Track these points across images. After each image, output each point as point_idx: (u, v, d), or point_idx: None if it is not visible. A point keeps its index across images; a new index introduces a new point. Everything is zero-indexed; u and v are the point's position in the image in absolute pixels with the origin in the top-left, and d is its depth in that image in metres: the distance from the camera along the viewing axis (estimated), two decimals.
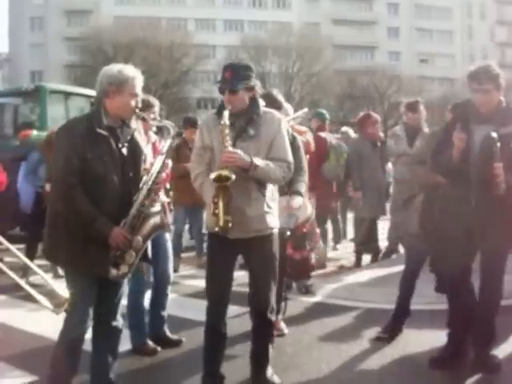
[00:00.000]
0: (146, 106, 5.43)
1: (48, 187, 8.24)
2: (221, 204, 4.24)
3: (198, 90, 58.99)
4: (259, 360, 4.79)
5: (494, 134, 4.64)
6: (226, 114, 4.36)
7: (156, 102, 5.68)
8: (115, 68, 4.16)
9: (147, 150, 4.89)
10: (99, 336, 4.30)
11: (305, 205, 5.73)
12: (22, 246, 9.75)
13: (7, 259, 8.61)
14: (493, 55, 69.83)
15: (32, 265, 5.01)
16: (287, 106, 6.83)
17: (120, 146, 4.13)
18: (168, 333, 5.86)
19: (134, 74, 4.16)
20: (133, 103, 4.14)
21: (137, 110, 4.19)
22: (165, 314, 5.85)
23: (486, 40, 72.84)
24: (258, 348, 4.80)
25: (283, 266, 5.09)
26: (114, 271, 4.06)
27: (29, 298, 7.08)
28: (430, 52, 70.50)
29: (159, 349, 5.62)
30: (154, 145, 5.68)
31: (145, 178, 4.20)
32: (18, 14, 62.78)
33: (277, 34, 58.71)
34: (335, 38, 63.63)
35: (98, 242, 3.97)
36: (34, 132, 12.34)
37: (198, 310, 5.74)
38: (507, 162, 4.59)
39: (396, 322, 5.96)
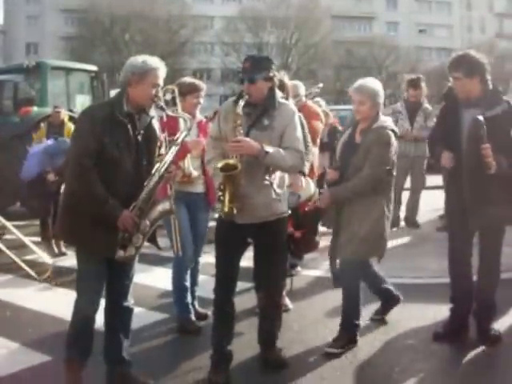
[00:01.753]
0: (193, 90, 5.66)
1: (51, 177, 8.34)
2: (227, 192, 4.32)
3: (194, 60, 58.71)
4: (268, 340, 4.92)
5: (480, 117, 4.75)
6: (241, 103, 4.43)
7: (202, 86, 5.81)
8: (140, 59, 4.24)
9: (193, 129, 5.23)
10: (111, 316, 4.40)
11: (307, 183, 5.77)
12: (22, 222, 9.88)
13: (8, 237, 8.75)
14: (491, 26, 69.63)
15: (27, 241, 5.07)
16: (298, 83, 6.85)
17: (137, 132, 4.22)
18: (197, 307, 6.00)
19: (157, 64, 4.24)
20: (152, 92, 4.21)
21: (155, 99, 4.25)
22: (196, 289, 6.02)
23: (485, 11, 72.26)
24: (267, 329, 4.93)
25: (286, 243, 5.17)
26: (121, 252, 4.13)
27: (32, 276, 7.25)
28: (429, 22, 69.91)
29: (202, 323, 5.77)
30: (200, 124, 5.83)
31: (158, 164, 4.27)
32: None
33: (275, 4, 58.22)
34: (333, 9, 62.99)
35: (107, 224, 4.04)
36: (35, 108, 12.35)
37: (205, 288, 5.82)
38: (496, 143, 4.70)
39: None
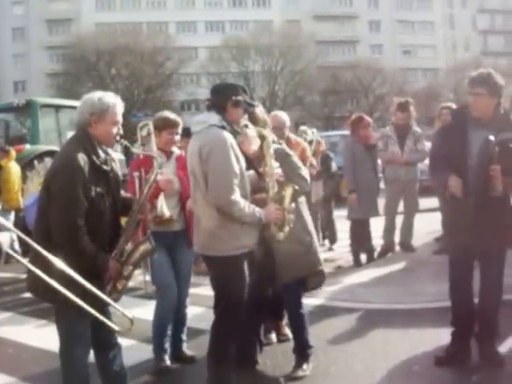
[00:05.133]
0: (168, 125, 5.56)
1: None
2: None
3: (181, 92, 58.96)
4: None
5: (492, 137, 4.76)
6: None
7: (178, 121, 5.69)
8: (95, 96, 4.08)
9: (170, 165, 5.46)
10: (103, 359, 4.27)
11: None
12: None
13: None
14: (475, 43, 70.36)
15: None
16: (283, 114, 6.79)
17: (111, 176, 4.11)
18: (185, 349, 5.79)
19: (114, 100, 4.10)
20: (114, 131, 4.09)
21: (117, 138, 4.13)
22: (184, 329, 5.78)
23: (468, 29, 73.10)
24: None
25: None
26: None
27: (34, 313, 7.18)
28: (412, 43, 70.67)
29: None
30: (178, 158, 5.72)
31: (134, 206, 4.18)
32: (0, 26, 62.47)
33: (258, 32, 58.69)
34: (317, 34, 63.51)
35: (93, 278, 3.84)
36: (27, 146, 12.44)
37: (198, 319, 5.82)
38: (505, 166, 4.71)
39: None
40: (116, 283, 4.06)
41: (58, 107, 14.36)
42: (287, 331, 6.13)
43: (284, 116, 6.69)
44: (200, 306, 6.67)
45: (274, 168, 4.67)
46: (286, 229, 4.68)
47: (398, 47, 70.44)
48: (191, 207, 4.99)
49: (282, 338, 6.09)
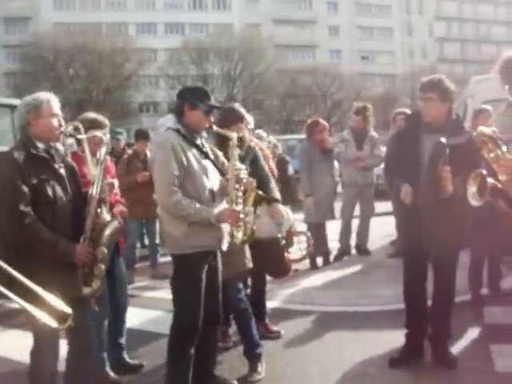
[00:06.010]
0: (95, 127, 5.31)
1: None
2: None
3: (140, 94, 58.63)
4: None
5: (444, 139, 4.82)
6: None
7: (106, 122, 5.54)
8: (29, 97, 4.22)
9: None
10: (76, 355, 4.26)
11: (285, 210, 5.88)
12: None
13: None
14: (432, 50, 71.42)
15: None
16: (248, 116, 6.80)
17: (58, 166, 4.17)
18: (127, 359, 5.67)
19: (47, 96, 4.23)
20: (55, 123, 4.18)
21: (62, 129, 4.21)
22: (123, 341, 5.65)
23: (425, 36, 74.22)
24: None
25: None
26: (86, 289, 4.06)
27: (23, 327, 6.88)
28: (371, 49, 71.42)
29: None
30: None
31: (90, 191, 4.21)
32: None
33: (218, 35, 58.68)
34: (276, 38, 63.76)
35: (65, 265, 3.95)
36: None
37: (156, 322, 5.78)
38: (455, 170, 4.77)
39: None
40: (93, 269, 4.08)
41: (13, 107, 14.09)
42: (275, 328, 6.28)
43: (248, 118, 6.67)
44: (156, 309, 6.65)
45: (239, 170, 4.67)
46: (248, 231, 4.66)
47: (356, 52, 71.07)
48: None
49: (272, 336, 6.16)
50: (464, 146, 4.93)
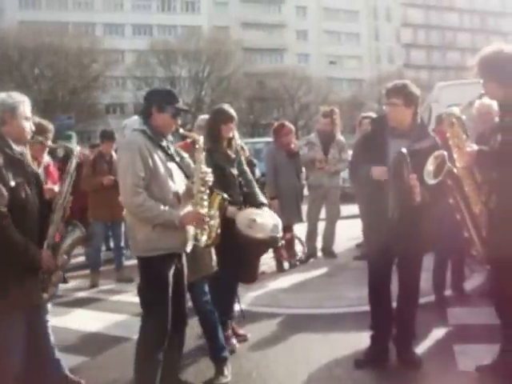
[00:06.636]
0: (39, 132, 5.15)
1: None
2: None
3: (106, 95, 58.26)
4: None
5: (404, 150, 4.86)
6: None
7: (50, 127, 5.55)
8: (3, 95, 4.14)
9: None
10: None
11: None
12: None
13: None
14: (399, 56, 72.18)
15: None
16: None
17: (30, 170, 4.15)
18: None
19: (22, 98, 4.19)
20: (27, 126, 4.16)
21: (31, 133, 4.21)
22: None
23: (392, 41, 75.03)
24: None
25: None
26: (44, 295, 4.04)
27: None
28: (338, 54, 71.93)
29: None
30: (47, 168, 5.63)
31: (57, 198, 4.21)
32: None
33: (186, 38, 58.49)
34: (245, 42, 63.84)
35: (29, 271, 3.91)
36: None
37: (122, 326, 5.73)
38: (420, 175, 4.81)
39: None
40: (51, 276, 4.06)
41: None
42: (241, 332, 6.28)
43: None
44: (122, 313, 6.60)
45: (205, 173, 4.64)
46: (213, 234, 4.67)
47: (324, 57, 71.45)
48: None
49: (238, 339, 6.13)
50: (428, 149, 4.95)
